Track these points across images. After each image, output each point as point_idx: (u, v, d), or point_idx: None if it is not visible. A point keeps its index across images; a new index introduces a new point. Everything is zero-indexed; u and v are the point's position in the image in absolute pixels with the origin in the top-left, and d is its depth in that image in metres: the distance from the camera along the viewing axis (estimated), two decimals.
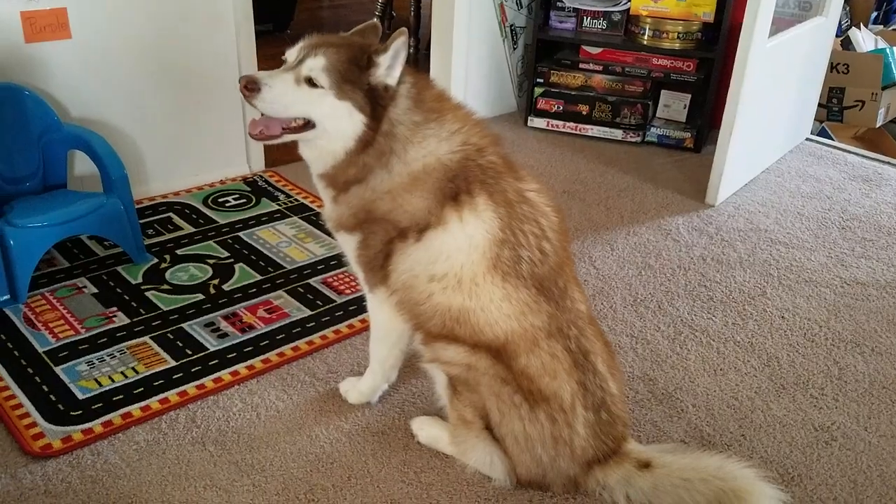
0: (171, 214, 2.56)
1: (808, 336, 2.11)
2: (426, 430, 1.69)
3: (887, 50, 3.78)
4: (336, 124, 1.39)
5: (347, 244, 1.54)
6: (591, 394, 1.48)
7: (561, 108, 3.39)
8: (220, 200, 2.67)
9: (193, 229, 2.48)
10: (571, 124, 3.39)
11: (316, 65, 1.36)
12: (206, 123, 2.72)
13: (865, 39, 3.95)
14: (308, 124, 1.41)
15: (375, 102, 1.38)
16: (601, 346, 1.53)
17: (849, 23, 4.18)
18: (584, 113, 3.36)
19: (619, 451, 1.52)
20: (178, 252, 2.34)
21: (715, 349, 2.04)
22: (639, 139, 3.32)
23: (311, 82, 1.37)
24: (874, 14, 4.37)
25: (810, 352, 2.05)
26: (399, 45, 1.36)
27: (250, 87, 1.35)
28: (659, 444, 1.67)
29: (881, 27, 4.29)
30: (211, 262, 2.30)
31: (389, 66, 1.38)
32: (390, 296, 1.53)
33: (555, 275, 1.48)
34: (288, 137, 1.43)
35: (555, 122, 3.41)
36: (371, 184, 1.44)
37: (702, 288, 2.31)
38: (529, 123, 3.45)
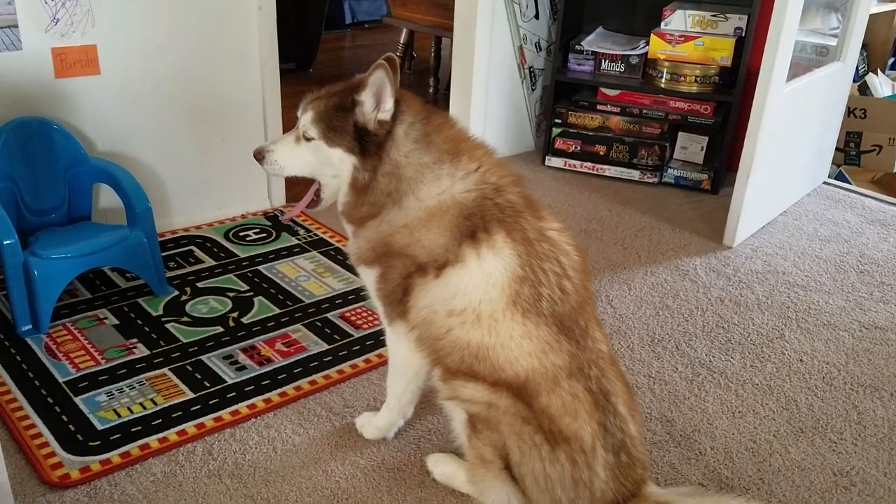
0: (192, 248, 2.60)
1: (826, 380, 2.09)
2: (442, 468, 1.68)
3: None
4: (332, 170, 1.48)
5: (368, 277, 1.57)
6: (612, 435, 1.47)
7: (578, 148, 3.42)
8: (240, 234, 2.71)
9: (214, 262, 2.51)
10: (589, 164, 3.42)
11: (307, 120, 1.47)
12: (228, 159, 2.78)
13: (883, 84, 3.98)
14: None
15: (367, 141, 1.43)
16: (622, 388, 1.52)
17: (866, 68, 4.22)
18: (602, 153, 3.39)
19: (638, 493, 1.50)
20: (199, 285, 2.38)
21: (733, 391, 2.02)
22: (656, 180, 3.34)
23: (307, 137, 1.48)
24: (891, 59, 4.40)
25: (829, 395, 2.03)
26: (377, 78, 1.39)
27: (258, 156, 1.55)
28: (677, 487, 1.65)
29: None
30: (231, 295, 2.33)
31: (376, 101, 1.42)
32: (410, 331, 1.54)
33: (576, 314, 1.48)
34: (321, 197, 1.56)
35: (572, 161, 3.44)
36: (387, 218, 1.47)
37: (720, 329, 2.30)
38: (547, 163, 3.48)
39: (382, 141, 1.43)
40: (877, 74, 3.99)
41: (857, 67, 3.78)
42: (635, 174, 3.36)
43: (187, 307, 2.25)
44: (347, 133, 1.43)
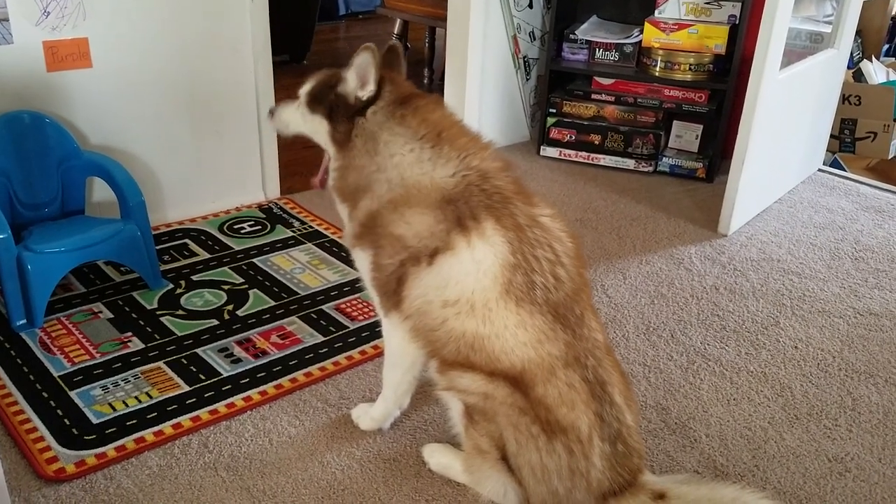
0: (186, 241, 2.59)
1: (821, 366, 2.10)
2: (438, 458, 1.68)
3: None
4: (312, 130, 1.64)
5: (362, 263, 1.58)
6: (608, 425, 1.47)
7: (573, 137, 3.42)
8: (235, 227, 2.71)
9: (209, 255, 2.51)
10: (584, 154, 3.41)
11: (303, 90, 1.65)
12: (222, 152, 2.77)
13: (877, 71, 3.97)
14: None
15: (341, 111, 1.56)
16: (618, 377, 1.52)
17: (860, 55, 4.21)
18: (597, 143, 3.39)
19: (634, 482, 1.50)
20: (194, 278, 2.37)
21: (728, 379, 2.03)
22: (651, 169, 3.34)
23: (301, 103, 1.65)
24: (886, 46, 4.39)
25: (823, 382, 2.03)
26: (361, 59, 1.52)
27: (270, 114, 1.74)
28: (673, 475, 1.66)
29: (893, 59, 4.31)
30: (226, 287, 2.32)
31: (360, 81, 1.53)
32: (404, 321, 1.54)
33: (571, 302, 1.48)
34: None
35: (567, 151, 3.44)
36: (376, 193, 1.51)
37: (714, 317, 2.30)
38: (542, 153, 3.48)
39: (354, 113, 1.54)
40: (871, 61, 3.99)
41: (852, 54, 3.77)
42: (630, 163, 3.35)
43: (182, 300, 2.25)
44: (326, 103, 1.59)
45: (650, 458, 1.74)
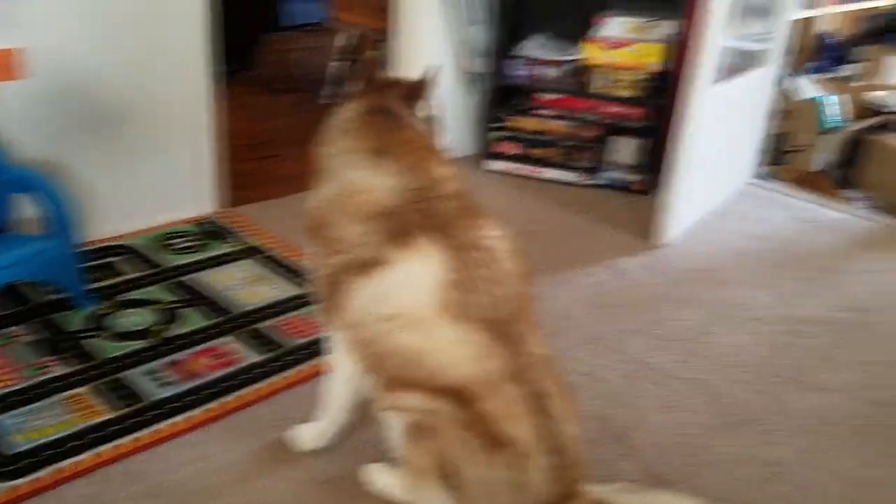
0: (117, 258, 2.51)
1: (753, 372, 2.15)
2: (379, 478, 1.66)
3: (823, 98, 3.97)
4: None
5: (307, 259, 1.58)
6: (549, 438, 1.48)
7: (518, 151, 3.46)
8: (169, 243, 2.63)
9: (140, 273, 2.43)
10: (528, 167, 3.46)
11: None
12: (161, 164, 2.70)
13: (805, 88, 4.14)
14: None
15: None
16: (558, 390, 1.53)
17: (789, 71, 4.38)
18: (540, 157, 3.43)
19: (574, 494, 1.51)
20: (123, 297, 2.29)
21: (666, 387, 2.06)
22: (592, 182, 3.40)
23: None
24: (813, 64, 4.59)
25: (755, 388, 2.09)
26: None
27: None
28: (613, 484, 1.66)
29: (819, 76, 4.50)
30: (157, 307, 2.26)
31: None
32: (344, 334, 1.54)
33: (511, 319, 1.49)
34: None
35: (512, 165, 3.47)
36: (323, 189, 1.54)
37: (653, 326, 2.35)
38: (487, 167, 3.50)
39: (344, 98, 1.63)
40: (799, 77, 4.16)
41: (781, 71, 3.91)
42: (573, 177, 3.41)
43: (110, 321, 2.17)
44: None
45: (591, 468, 1.74)
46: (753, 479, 1.76)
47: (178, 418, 1.81)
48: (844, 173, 3.97)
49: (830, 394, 2.08)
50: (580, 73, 3.38)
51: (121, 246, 2.59)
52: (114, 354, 2.02)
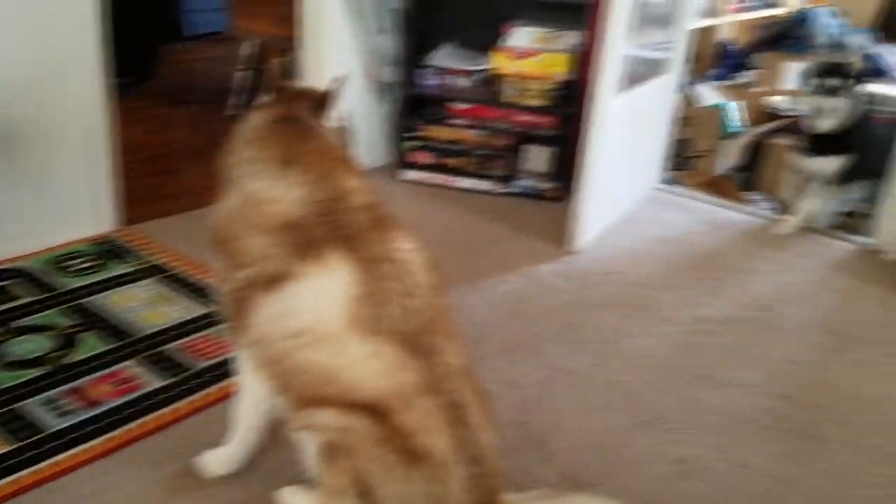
0: (8, 282, 2.35)
1: (664, 372, 2.22)
2: (293, 501, 1.61)
3: (725, 104, 4.17)
4: None
5: (214, 276, 1.52)
6: (466, 448, 1.47)
7: (432, 161, 3.46)
8: (65, 265, 2.48)
9: (34, 298, 2.28)
10: (442, 177, 3.46)
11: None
12: (49, 182, 2.54)
13: (707, 95, 4.34)
14: None
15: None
16: (475, 400, 1.53)
17: (691, 79, 4.58)
18: (454, 166, 3.45)
19: (493, 503, 1.50)
20: (17, 324, 2.15)
21: (582, 389, 2.10)
22: (506, 190, 3.43)
23: None
24: (713, 71, 4.82)
25: (666, 388, 2.15)
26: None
27: None
28: (530, 492, 1.67)
29: (720, 83, 4.73)
30: (54, 332, 2.12)
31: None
32: (251, 352, 1.48)
33: (425, 330, 1.47)
34: None
35: (426, 175, 3.47)
36: (226, 200, 1.49)
37: (568, 331, 2.38)
38: (401, 177, 3.49)
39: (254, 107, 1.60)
40: (701, 85, 4.35)
41: (683, 79, 4.09)
42: (487, 185, 3.43)
43: (3, 349, 2.03)
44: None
45: (510, 475, 1.74)
46: (668, 477, 1.80)
47: (80, 448, 1.71)
48: (746, 176, 4.18)
49: (739, 390, 2.16)
50: (491, 83, 3.42)
51: (13, 269, 2.42)
52: (8, 384, 1.89)
